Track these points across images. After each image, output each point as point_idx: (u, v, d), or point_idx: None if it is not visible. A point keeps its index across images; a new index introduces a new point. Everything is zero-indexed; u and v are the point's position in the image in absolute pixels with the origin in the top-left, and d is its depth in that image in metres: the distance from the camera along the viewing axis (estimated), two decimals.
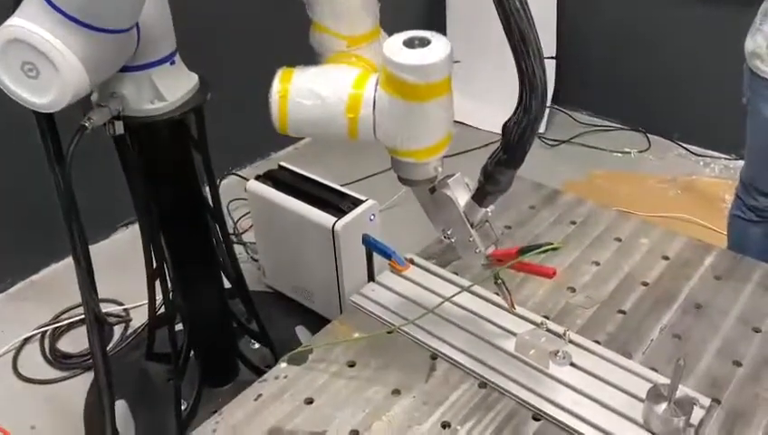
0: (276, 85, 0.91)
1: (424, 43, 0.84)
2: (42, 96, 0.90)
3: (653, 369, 0.92)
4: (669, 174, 2.32)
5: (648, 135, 2.55)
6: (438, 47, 0.83)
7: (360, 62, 0.95)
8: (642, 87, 2.53)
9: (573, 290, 1.09)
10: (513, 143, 0.79)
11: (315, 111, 0.90)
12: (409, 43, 0.84)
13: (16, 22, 0.86)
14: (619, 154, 2.47)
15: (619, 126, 2.63)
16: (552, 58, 2.62)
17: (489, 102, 2.40)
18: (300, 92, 0.90)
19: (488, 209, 0.93)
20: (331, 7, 0.92)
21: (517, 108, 0.77)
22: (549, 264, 1.09)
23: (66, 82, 0.88)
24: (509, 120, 0.78)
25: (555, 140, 2.56)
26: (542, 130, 2.60)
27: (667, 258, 1.14)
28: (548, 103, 2.64)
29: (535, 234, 1.22)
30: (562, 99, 2.71)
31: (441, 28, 2.79)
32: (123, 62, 1.02)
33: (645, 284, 1.09)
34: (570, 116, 2.71)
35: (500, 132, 0.79)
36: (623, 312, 1.04)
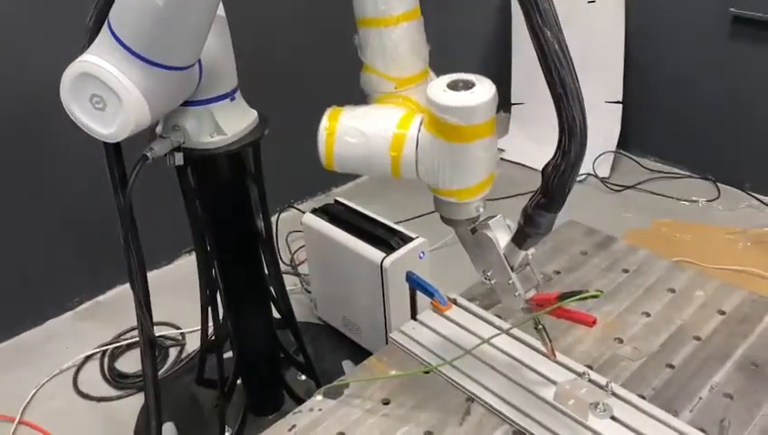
0: (324, 123, 0.94)
1: (468, 85, 0.85)
2: (106, 127, 0.96)
3: (701, 429, 0.87)
4: (739, 225, 2.21)
5: (718, 184, 2.45)
6: (482, 90, 0.84)
7: (407, 103, 0.97)
8: (712, 134, 2.45)
9: (621, 341, 1.05)
10: (552, 187, 0.78)
11: (360, 148, 0.92)
12: (453, 86, 0.85)
13: (88, 58, 0.93)
14: (687, 203, 2.38)
15: (687, 174, 2.54)
16: (618, 103, 2.59)
17: (551, 145, 2.38)
18: (346, 130, 0.93)
19: (529, 252, 0.92)
20: (381, 51, 0.95)
21: (556, 152, 0.76)
22: (596, 313, 1.06)
23: (129, 114, 0.94)
24: (548, 163, 0.78)
25: (620, 186, 2.50)
26: (606, 174, 2.55)
27: (723, 313, 1.09)
28: (613, 148, 2.59)
29: (585, 281, 1.19)
30: (629, 144, 2.66)
31: (506, 71, 2.80)
32: (185, 98, 1.08)
33: (697, 338, 1.04)
34: (636, 162, 2.64)
35: None
36: (672, 366, 0.99)
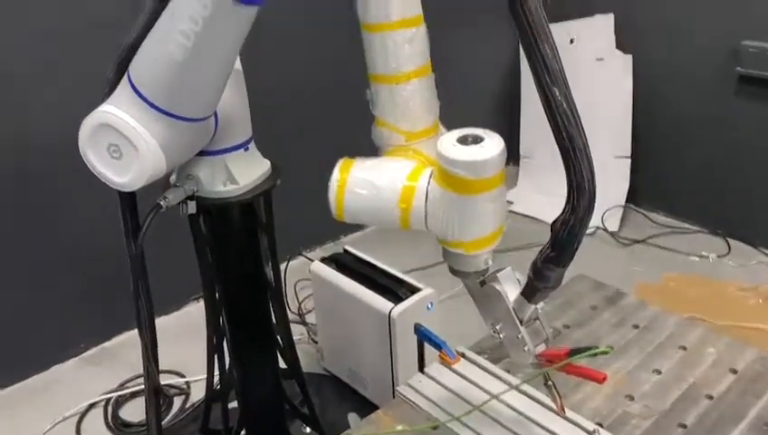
0: (336, 174, 0.95)
1: (477, 140, 0.86)
2: (122, 176, 0.98)
3: None
4: (751, 282, 2.19)
5: (728, 239, 2.44)
6: (491, 145, 0.85)
7: (418, 156, 0.98)
8: (721, 189, 2.45)
9: (631, 398, 1.03)
10: (562, 242, 0.79)
11: (370, 200, 0.93)
12: (463, 140, 0.87)
13: (108, 108, 0.95)
14: (697, 258, 2.37)
15: (696, 228, 2.54)
16: (626, 157, 2.61)
17: (560, 197, 2.39)
18: (357, 182, 0.94)
19: (538, 306, 0.92)
20: (392, 106, 0.97)
21: (566, 207, 0.77)
22: (606, 369, 1.05)
23: (145, 164, 0.96)
24: (557, 218, 0.79)
25: (630, 240, 2.50)
26: (616, 228, 2.55)
27: (735, 371, 1.07)
28: (622, 202, 2.60)
29: (595, 336, 1.18)
30: (639, 198, 2.66)
31: (515, 123, 2.84)
32: (200, 148, 1.11)
33: (710, 397, 1.02)
34: (645, 216, 2.64)
35: None
36: (684, 426, 0.97)
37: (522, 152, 2.91)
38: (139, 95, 0.94)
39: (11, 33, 1.66)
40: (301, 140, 2.20)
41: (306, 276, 2.04)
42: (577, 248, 0.80)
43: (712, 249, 2.40)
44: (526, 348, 0.91)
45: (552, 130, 0.74)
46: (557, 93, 0.71)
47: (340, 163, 0.96)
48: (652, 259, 2.38)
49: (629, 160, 2.60)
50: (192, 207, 1.16)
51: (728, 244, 2.43)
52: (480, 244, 0.90)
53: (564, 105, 0.72)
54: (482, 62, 2.80)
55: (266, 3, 0.91)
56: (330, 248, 2.45)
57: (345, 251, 1.80)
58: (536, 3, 0.71)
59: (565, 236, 0.78)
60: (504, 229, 0.92)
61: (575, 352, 0.86)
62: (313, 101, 2.27)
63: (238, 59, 1.07)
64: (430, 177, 0.91)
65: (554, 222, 0.79)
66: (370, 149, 1.05)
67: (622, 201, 2.61)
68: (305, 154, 1.98)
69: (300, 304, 2.15)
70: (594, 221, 2.52)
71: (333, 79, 2.19)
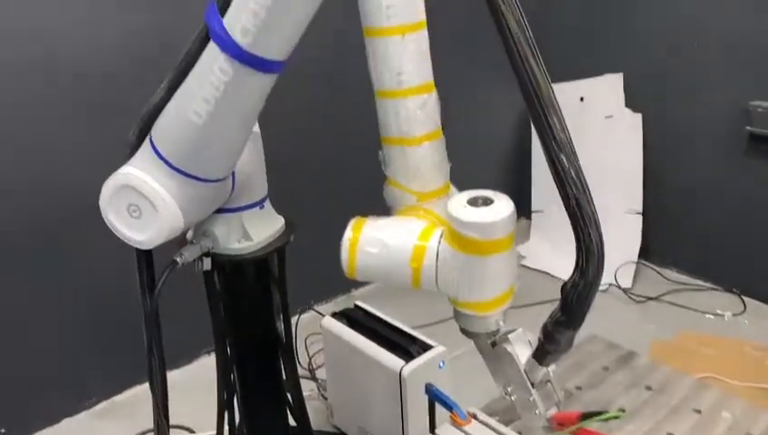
0: (348, 233, 0.97)
1: (487, 202, 0.88)
2: (140, 234, 1.01)
3: None
4: (767, 341, 2.16)
5: (743, 297, 2.42)
6: (500, 207, 0.87)
7: (429, 216, 1.00)
8: (735, 246, 2.44)
9: None
10: (572, 305, 0.80)
11: (381, 259, 0.95)
12: (473, 202, 0.89)
13: (129, 170, 0.98)
14: (712, 316, 2.34)
15: (711, 286, 2.52)
16: (638, 213, 2.61)
17: (572, 252, 2.40)
18: (368, 241, 0.96)
19: (550, 369, 0.92)
20: (404, 168, 1.00)
21: (575, 271, 0.78)
22: (618, 432, 1.04)
23: (164, 223, 0.98)
24: (567, 282, 0.80)
25: (643, 297, 2.48)
26: (629, 285, 2.54)
27: None
28: (635, 258, 2.59)
29: (607, 398, 1.17)
30: (651, 254, 2.65)
31: (527, 178, 2.87)
32: (217, 207, 1.13)
33: None
34: (658, 272, 2.63)
35: None
36: None
37: (533, 206, 2.93)
38: (160, 157, 0.98)
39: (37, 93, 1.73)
40: (314, 196, 2.23)
41: (317, 331, 2.04)
42: (587, 311, 0.81)
43: (727, 307, 2.38)
44: (537, 411, 0.91)
45: (561, 195, 0.76)
46: (564, 161, 0.73)
47: (352, 222, 0.99)
48: (666, 317, 2.36)
49: (641, 216, 2.61)
50: (207, 263, 1.18)
51: (743, 302, 2.40)
52: (491, 305, 0.91)
53: (572, 173, 0.74)
54: (493, 116, 2.85)
55: (285, 69, 0.95)
56: (341, 302, 2.46)
57: (356, 306, 1.80)
58: (543, 76, 0.74)
59: (575, 300, 0.79)
60: (516, 290, 0.93)
61: (587, 416, 0.86)
62: (328, 159, 2.32)
63: (256, 121, 1.10)
64: (441, 237, 0.93)
65: (564, 285, 0.80)
66: (382, 208, 1.07)
67: (635, 257, 2.60)
68: (318, 209, 2.01)
69: (310, 358, 2.14)
70: (607, 278, 2.53)
71: (347, 139, 2.24)
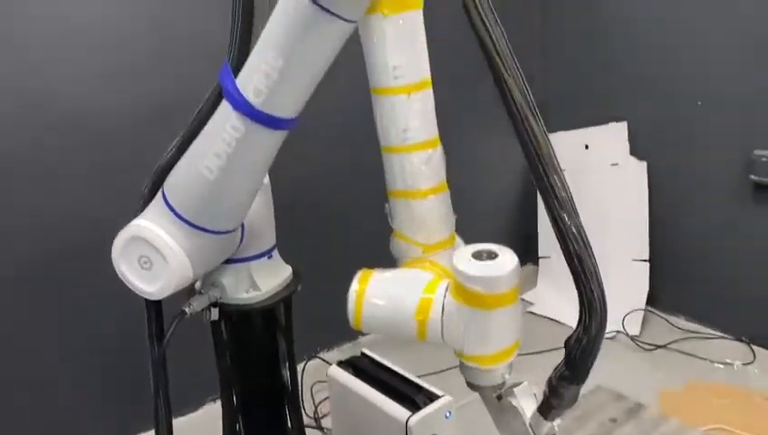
0: (355, 285, 0.99)
1: (491, 255, 0.90)
2: (151, 285, 1.02)
3: None
4: None
5: (753, 346, 2.40)
6: (505, 261, 0.88)
7: (434, 268, 1.01)
8: (743, 294, 2.43)
9: None
10: (575, 360, 0.80)
11: (387, 311, 0.96)
12: (478, 256, 0.90)
13: (141, 222, 1.01)
14: (721, 365, 2.32)
15: (719, 334, 2.50)
16: (644, 261, 2.62)
17: None
18: (375, 293, 0.97)
19: (555, 423, 0.92)
20: (409, 220, 1.02)
21: (578, 326, 0.79)
22: None
23: (173, 274, 1.00)
24: (570, 336, 0.81)
25: (651, 345, 2.47)
26: (636, 332, 2.52)
27: None
28: (642, 306, 2.58)
29: None
30: (659, 302, 2.65)
31: (533, 224, 2.89)
32: (226, 257, 1.15)
33: None
34: (666, 320, 2.62)
35: None
36: None
37: (540, 252, 2.94)
38: (171, 209, 1.00)
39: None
40: (322, 244, 2.25)
41: (323, 378, 2.03)
42: (591, 366, 0.81)
43: (736, 356, 2.36)
44: None
45: (563, 252, 0.77)
46: (566, 219, 0.75)
47: (359, 274, 1.00)
48: (675, 365, 2.34)
49: (648, 264, 2.61)
50: (215, 313, 1.20)
51: (753, 351, 2.38)
52: (496, 358, 0.92)
53: (573, 230, 0.75)
54: (499, 163, 2.89)
55: (295, 125, 0.98)
56: (347, 349, 2.45)
57: (362, 354, 1.80)
58: (543, 136, 0.77)
59: (579, 355, 0.79)
60: (520, 344, 0.94)
61: None
62: (336, 209, 2.35)
63: (267, 173, 1.13)
64: (446, 290, 0.94)
65: (568, 340, 0.81)
66: (389, 258, 1.08)
67: (643, 304, 2.60)
68: (325, 257, 2.03)
69: (316, 407, 2.13)
70: (615, 325, 2.52)
71: (355, 190, 2.27)
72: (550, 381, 0.85)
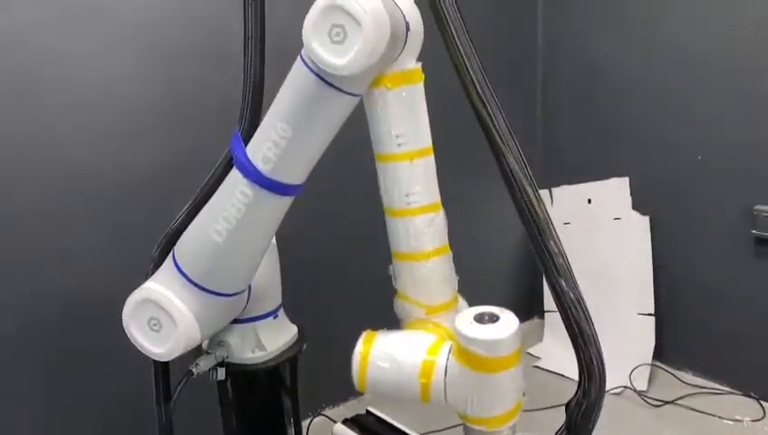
0: (359, 347, 1.00)
1: (493, 319, 0.92)
2: (160, 347, 1.04)
3: None
4: None
5: (762, 402, 2.37)
6: (506, 324, 0.90)
7: (438, 329, 1.03)
8: (751, 349, 2.41)
9: None
10: (576, 424, 0.81)
11: (391, 373, 0.98)
12: (479, 318, 0.92)
13: (151, 285, 1.04)
14: (730, 422, 2.29)
15: (728, 390, 2.47)
16: (650, 315, 2.61)
17: None
18: (379, 355, 0.99)
19: None
20: (412, 282, 1.04)
21: (577, 390, 0.81)
22: None
23: (182, 336, 1.02)
24: (571, 400, 0.82)
25: (659, 401, 2.43)
26: (644, 387, 2.50)
27: None
28: (649, 360, 2.57)
29: None
30: (666, 356, 2.62)
31: (539, 277, 2.89)
32: (233, 318, 1.17)
33: None
34: (674, 375, 2.59)
35: None
36: None
37: (546, 306, 2.93)
38: (181, 272, 1.03)
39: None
40: (328, 302, 2.26)
41: None
42: (592, 429, 0.82)
43: (745, 413, 2.32)
44: None
45: (561, 317, 0.79)
46: (564, 286, 0.77)
47: (363, 336, 1.02)
48: (683, 422, 2.30)
49: (653, 318, 2.60)
50: (222, 373, 1.21)
51: (762, 407, 2.35)
52: (500, 420, 0.93)
53: (571, 296, 0.78)
54: (500, 221, 2.91)
55: (301, 192, 1.01)
56: (352, 406, 2.43)
57: (367, 412, 1.79)
58: (539, 202, 0.80)
59: (579, 419, 0.80)
60: (523, 404, 0.95)
61: None
62: (341, 269, 2.37)
63: (274, 236, 1.16)
64: (449, 352, 0.95)
65: (568, 404, 0.82)
66: (392, 316, 1.10)
67: (649, 359, 2.58)
68: (331, 315, 2.04)
69: None
70: (622, 380, 2.50)
71: (359, 252, 2.29)
72: None
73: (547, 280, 0.80)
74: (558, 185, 2.78)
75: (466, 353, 0.90)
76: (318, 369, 1.81)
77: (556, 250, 0.78)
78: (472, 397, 0.92)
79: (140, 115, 1.89)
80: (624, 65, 2.63)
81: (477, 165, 2.41)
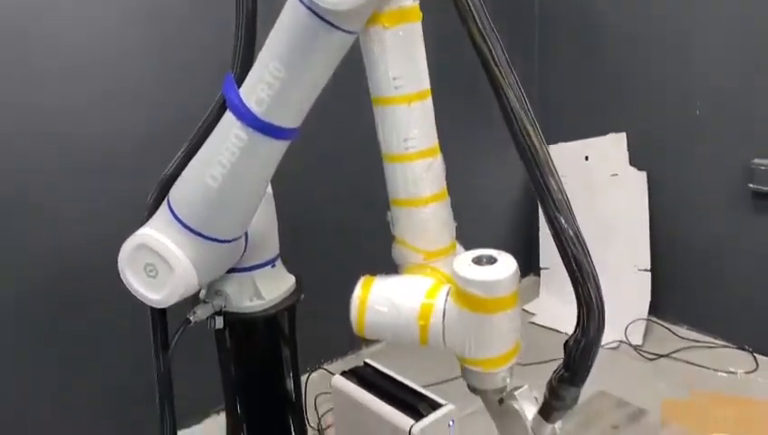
0: (357, 291, 1.00)
1: (491, 260, 0.91)
2: (157, 293, 1.04)
3: None
4: None
5: (756, 355, 2.40)
6: (504, 265, 0.90)
7: (435, 274, 1.03)
8: (745, 303, 2.44)
9: None
10: (575, 362, 0.81)
11: (389, 316, 0.97)
12: (478, 261, 0.92)
13: (146, 231, 1.03)
14: (724, 374, 2.32)
15: (722, 343, 2.50)
16: (646, 270, 2.62)
17: None
18: (377, 299, 0.98)
19: (556, 425, 0.93)
20: (411, 227, 1.03)
21: (576, 328, 0.80)
22: None
23: (178, 282, 1.02)
24: (569, 338, 0.82)
25: (654, 354, 2.47)
26: (639, 342, 2.52)
27: None
28: (644, 315, 2.59)
29: None
30: (662, 311, 2.65)
31: (535, 235, 2.90)
32: (230, 266, 1.17)
33: None
34: (669, 329, 2.62)
35: None
36: None
37: (542, 263, 2.95)
38: (177, 218, 1.02)
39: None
40: (325, 256, 2.27)
41: (327, 390, 2.04)
42: (590, 367, 0.82)
43: (739, 365, 2.35)
44: None
45: (560, 255, 0.79)
46: (563, 222, 0.77)
47: (361, 280, 1.02)
48: (678, 375, 2.34)
49: (650, 274, 2.62)
50: (219, 322, 1.21)
51: (756, 359, 2.38)
52: (497, 362, 0.93)
53: (570, 232, 0.77)
54: (499, 176, 2.91)
55: (297, 136, 1.00)
56: (351, 360, 2.45)
57: (366, 364, 1.81)
58: (540, 140, 0.78)
59: (578, 357, 0.80)
60: (521, 347, 0.95)
61: None
62: (338, 219, 2.37)
63: (269, 183, 1.15)
64: (447, 295, 0.95)
65: (567, 342, 0.82)
66: (391, 267, 1.10)
67: (645, 314, 2.60)
68: (328, 269, 2.04)
69: (320, 418, 2.13)
70: (617, 335, 2.53)
71: (357, 199, 2.29)
72: (550, 384, 0.86)
73: (546, 217, 0.79)
74: (555, 142, 2.77)
75: (465, 295, 0.90)
76: (316, 324, 1.82)
77: (555, 187, 0.78)
78: (470, 338, 0.92)
79: (133, 68, 1.86)
80: (623, 15, 2.59)
81: (477, 111, 2.40)
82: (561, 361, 0.83)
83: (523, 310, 2.79)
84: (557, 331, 2.58)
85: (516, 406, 0.93)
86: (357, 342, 2.53)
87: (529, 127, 0.79)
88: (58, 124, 1.76)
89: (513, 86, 0.79)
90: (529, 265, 2.99)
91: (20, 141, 1.71)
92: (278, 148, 0.99)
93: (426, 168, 1.01)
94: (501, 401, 0.96)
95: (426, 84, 0.99)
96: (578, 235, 0.78)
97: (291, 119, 0.96)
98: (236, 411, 1.37)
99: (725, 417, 2.04)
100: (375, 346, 2.55)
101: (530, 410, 0.93)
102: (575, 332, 0.80)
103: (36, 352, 1.84)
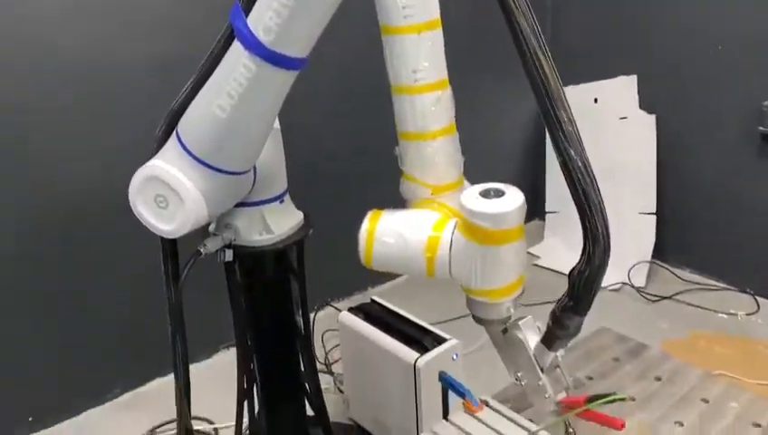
0: (365, 224, 1.01)
1: (498, 193, 0.92)
2: (167, 224, 1.06)
3: None
4: None
5: (757, 297, 2.42)
6: (511, 198, 0.91)
7: (443, 209, 1.04)
8: (749, 246, 2.45)
9: None
10: (579, 291, 0.83)
11: (397, 248, 0.99)
12: (485, 194, 0.92)
13: (156, 162, 1.03)
14: (725, 316, 2.35)
15: (724, 286, 2.53)
16: (651, 214, 2.63)
17: None
18: (385, 232, 1.00)
19: (558, 354, 0.95)
20: (419, 162, 1.04)
21: (582, 257, 0.82)
22: (629, 421, 1.06)
23: (189, 213, 1.03)
24: (574, 268, 0.83)
25: (656, 296, 2.50)
26: (642, 284, 2.55)
27: (758, 425, 1.07)
28: (648, 258, 2.61)
29: (617, 387, 1.19)
30: (665, 254, 2.67)
31: (541, 179, 2.90)
32: (239, 199, 1.18)
33: None
34: (672, 272, 2.64)
35: None
36: None
37: (547, 207, 2.95)
38: (186, 150, 1.03)
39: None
40: (332, 193, 2.28)
41: (333, 327, 2.08)
42: (594, 297, 0.84)
43: (740, 307, 2.38)
44: (547, 395, 0.94)
45: (568, 186, 0.79)
46: (572, 154, 0.77)
47: (369, 214, 1.03)
48: (679, 316, 2.37)
49: (655, 217, 2.62)
50: (229, 254, 1.23)
51: (757, 302, 2.41)
52: (502, 292, 0.95)
53: (579, 164, 0.77)
54: (507, 119, 2.89)
55: (306, 66, 0.99)
56: (357, 299, 2.49)
57: (373, 301, 1.84)
58: (553, 73, 0.78)
59: (582, 286, 0.82)
60: (526, 278, 0.97)
61: (593, 398, 0.89)
62: (346, 156, 2.37)
63: (277, 118, 1.15)
64: (454, 228, 0.96)
65: (571, 272, 0.83)
66: (398, 201, 1.11)
67: (648, 257, 2.62)
68: (336, 207, 2.05)
69: (327, 354, 2.18)
70: (620, 276, 2.55)
71: (365, 136, 2.28)
72: (554, 313, 0.88)
73: (555, 148, 0.79)
74: (565, 85, 2.73)
75: (472, 227, 0.91)
76: (323, 263, 1.85)
77: (566, 118, 0.77)
78: (476, 269, 0.93)
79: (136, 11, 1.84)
80: None
81: (490, 44, 2.36)
82: (565, 289, 0.85)
83: (528, 253, 2.81)
84: (561, 273, 2.60)
85: (520, 335, 0.96)
86: (363, 282, 2.57)
87: (542, 57, 0.78)
88: (68, 60, 1.75)
89: (527, 16, 0.78)
90: (534, 209, 3.00)
91: (22, 72, 1.70)
92: (286, 78, 0.98)
93: (435, 101, 1.00)
94: (505, 330, 0.98)
95: (436, 14, 0.98)
96: (587, 166, 0.78)
97: (299, 48, 0.95)
98: (246, 344, 1.40)
99: (725, 357, 2.08)
100: (382, 286, 2.59)
101: (533, 339, 0.95)
102: (580, 261, 0.82)
103: (45, 275, 1.88)
